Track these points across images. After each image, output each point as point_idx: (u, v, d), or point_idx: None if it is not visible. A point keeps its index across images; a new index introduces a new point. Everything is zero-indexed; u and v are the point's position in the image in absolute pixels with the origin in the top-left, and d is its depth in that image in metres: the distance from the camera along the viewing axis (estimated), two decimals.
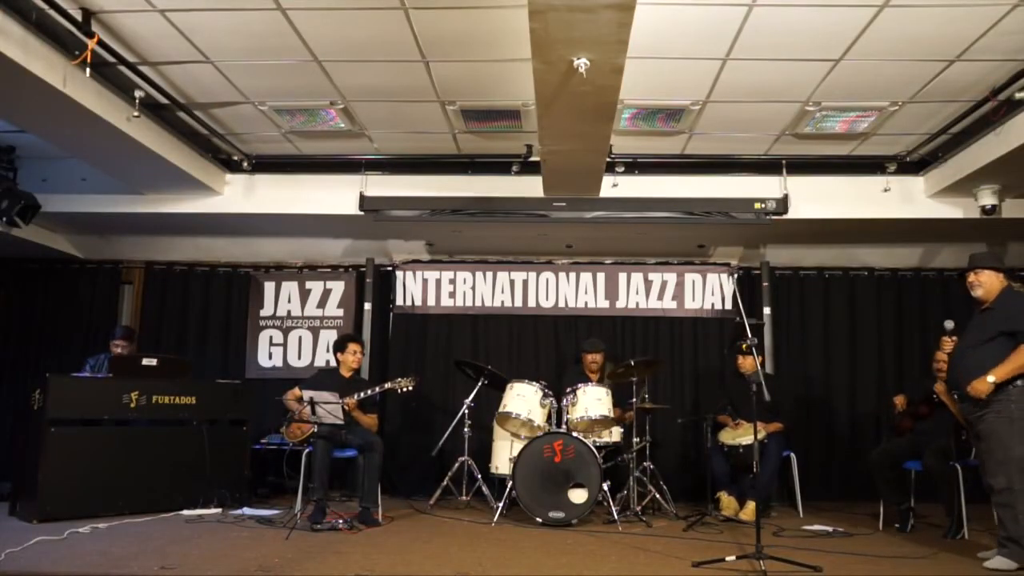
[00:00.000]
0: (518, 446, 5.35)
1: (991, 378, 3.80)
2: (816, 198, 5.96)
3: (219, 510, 5.26)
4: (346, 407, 5.03)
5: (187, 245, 7.18)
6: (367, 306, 7.01)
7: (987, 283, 4.07)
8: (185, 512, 5.18)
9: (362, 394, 5.25)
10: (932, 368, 5.27)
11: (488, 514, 5.27)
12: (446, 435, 6.04)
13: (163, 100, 4.92)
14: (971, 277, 4.12)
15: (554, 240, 6.68)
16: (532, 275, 7.10)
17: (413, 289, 7.11)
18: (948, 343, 5.08)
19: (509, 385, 5.58)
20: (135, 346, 6.32)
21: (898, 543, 4.57)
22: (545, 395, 5.50)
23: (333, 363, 5.75)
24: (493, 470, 5.77)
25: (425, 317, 7.09)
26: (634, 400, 5.54)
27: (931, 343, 6.74)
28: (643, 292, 7.03)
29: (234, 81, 4.75)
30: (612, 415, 5.45)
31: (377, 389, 5.34)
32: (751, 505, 5.13)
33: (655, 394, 6.30)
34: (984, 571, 3.81)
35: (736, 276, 6.68)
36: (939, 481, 4.83)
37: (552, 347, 7.02)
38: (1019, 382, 3.85)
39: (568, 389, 5.53)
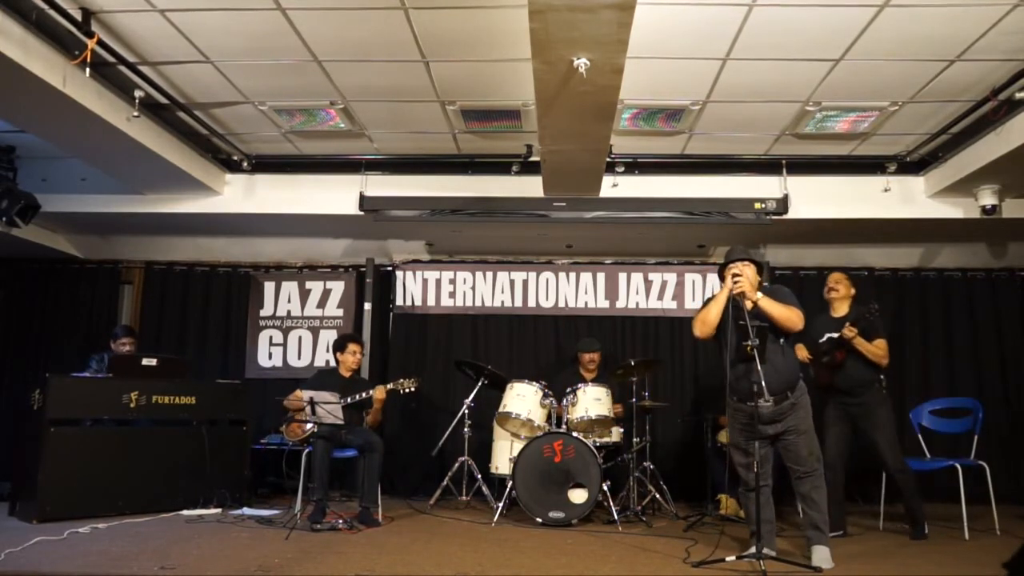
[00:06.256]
0: (518, 446, 5.35)
1: None
2: (816, 198, 5.96)
3: (219, 510, 5.26)
4: (374, 400, 5.18)
5: (187, 245, 7.18)
6: (367, 306, 7.00)
7: (752, 278, 3.98)
8: (185, 512, 5.18)
9: (364, 394, 5.25)
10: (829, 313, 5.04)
11: (488, 514, 5.27)
12: (446, 435, 6.04)
13: (163, 100, 4.91)
14: (738, 268, 3.95)
15: (554, 240, 6.68)
16: (532, 275, 7.10)
17: (413, 289, 7.11)
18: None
19: (509, 385, 5.59)
20: (137, 344, 6.34)
21: (898, 543, 4.57)
22: (545, 395, 5.50)
23: (333, 363, 5.75)
24: (493, 470, 5.76)
25: (425, 317, 7.08)
26: (634, 400, 5.55)
27: (931, 343, 6.72)
28: (643, 292, 7.03)
29: (234, 81, 4.75)
30: (612, 415, 5.46)
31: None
32: None
33: (655, 394, 6.29)
34: (988, 571, 3.81)
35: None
36: (899, 480, 4.72)
37: (552, 347, 7.01)
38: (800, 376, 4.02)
39: (568, 389, 5.53)
